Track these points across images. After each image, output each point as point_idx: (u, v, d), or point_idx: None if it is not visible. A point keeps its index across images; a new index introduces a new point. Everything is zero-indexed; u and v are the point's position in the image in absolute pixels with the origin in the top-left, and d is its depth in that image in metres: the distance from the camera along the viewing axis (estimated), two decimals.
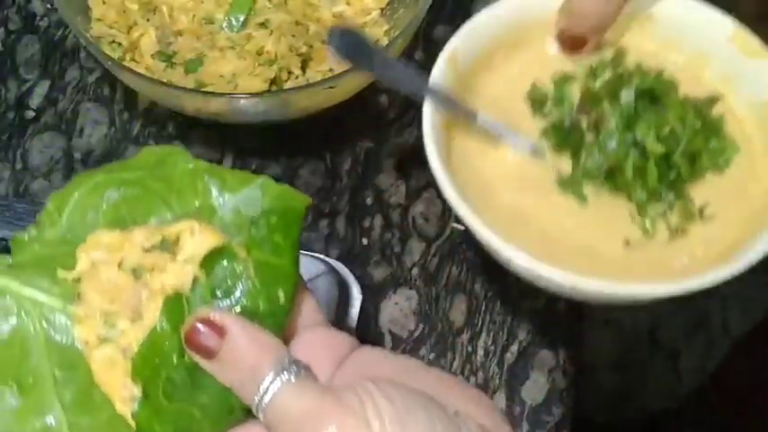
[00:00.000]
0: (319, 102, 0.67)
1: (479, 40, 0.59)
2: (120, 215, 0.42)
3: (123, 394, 0.39)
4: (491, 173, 0.56)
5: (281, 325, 0.40)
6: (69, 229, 0.42)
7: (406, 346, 0.66)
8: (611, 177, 0.55)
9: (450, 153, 0.56)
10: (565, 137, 0.57)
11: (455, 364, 0.65)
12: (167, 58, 0.71)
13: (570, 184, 0.56)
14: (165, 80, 0.68)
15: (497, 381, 0.65)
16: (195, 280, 0.39)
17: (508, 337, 0.67)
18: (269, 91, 0.68)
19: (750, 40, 0.59)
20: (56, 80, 0.77)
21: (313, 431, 0.34)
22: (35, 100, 0.76)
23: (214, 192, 0.41)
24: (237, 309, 0.39)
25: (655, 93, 0.57)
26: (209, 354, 0.37)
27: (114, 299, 0.40)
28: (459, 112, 0.56)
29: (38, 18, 0.80)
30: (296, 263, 0.41)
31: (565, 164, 0.56)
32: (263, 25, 0.73)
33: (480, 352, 0.66)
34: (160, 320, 0.39)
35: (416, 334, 0.66)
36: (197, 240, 0.40)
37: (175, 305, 0.39)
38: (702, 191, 0.56)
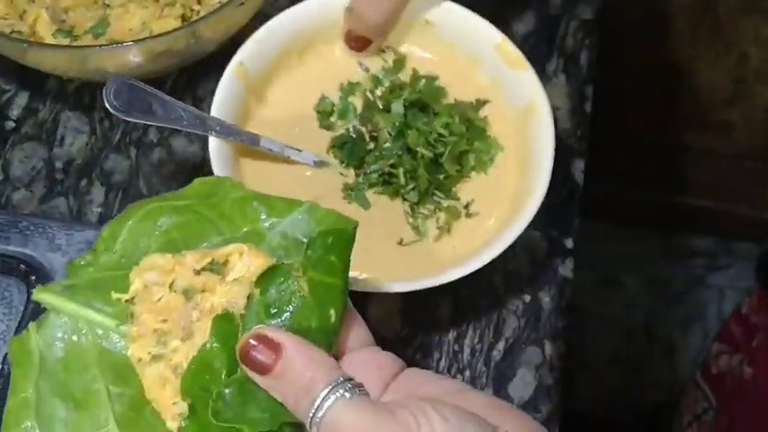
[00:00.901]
0: (233, 23, 0.70)
1: (268, 50, 0.66)
2: (173, 240, 0.43)
3: (173, 411, 0.41)
4: (288, 186, 0.61)
5: (330, 343, 0.41)
6: (123, 255, 0.44)
7: (392, 346, 0.66)
8: (389, 183, 0.62)
9: (244, 174, 0.62)
10: (349, 151, 0.63)
11: (442, 363, 0.65)
12: (67, 33, 0.72)
13: (354, 192, 0.62)
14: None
15: (484, 379, 0.64)
16: (250, 298, 0.41)
17: (494, 335, 0.66)
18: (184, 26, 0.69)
19: (512, 51, 0.65)
20: (35, 90, 0.77)
21: None
22: (15, 110, 0.76)
23: (263, 217, 0.43)
24: (290, 326, 0.40)
25: (424, 101, 0.64)
26: (264, 369, 0.38)
27: (166, 319, 0.42)
28: (243, 139, 0.61)
29: None
30: (347, 283, 0.42)
31: (351, 172, 0.63)
32: None
33: (467, 350, 0.66)
34: (210, 339, 0.40)
35: (402, 334, 0.66)
36: (245, 262, 0.41)
37: (225, 324, 0.40)
38: (469, 189, 0.64)
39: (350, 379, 0.38)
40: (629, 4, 1.19)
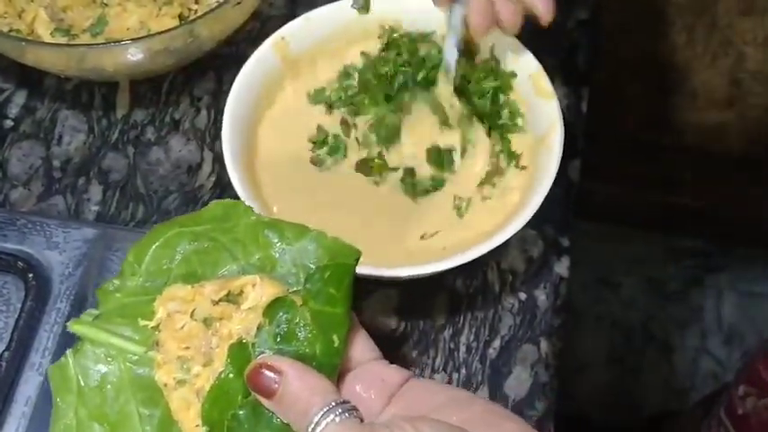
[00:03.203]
0: (231, 22, 0.71)
1: (316, 31, 0.68)
2: (192, 267, 0.47)
3: None
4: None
5: (335, 365, 0.44)
6: (148, 278, 0.47)
7: (388, 344, 0.66)
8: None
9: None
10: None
11: (437, 361, 0.65)
12: (66, 32, 0.72)
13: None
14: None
15: (480, 377, 0.65)
16: (260, 327, 0.44)
17: (490, 333, 0.67)
18: (182, 24, 0.70)
19: (545, 82, 0.66)
20: (33, 88, 0.77)
21: None
22: (13, 109, 0.76)
23: (274, 244, 0.46)
24: (296, 352, 0.44)
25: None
26: (268, 394, 0.42)
27: (188, 346, 0.45)
28: None
29: None
30: (349, 309, 0.45)
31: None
32: None
33: (462, 348, 0.66)
34: (226, 367, 0.43)
35: (398, 332, 0.66)
36: (258, 292, 0.44)
37: (239, 352, 0.44)
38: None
39: (343, 402, 0.41)
40: (626, 4, 1.20)
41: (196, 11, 0.74)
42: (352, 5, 0.69)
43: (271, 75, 0.68)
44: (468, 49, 0.69)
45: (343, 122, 0.68)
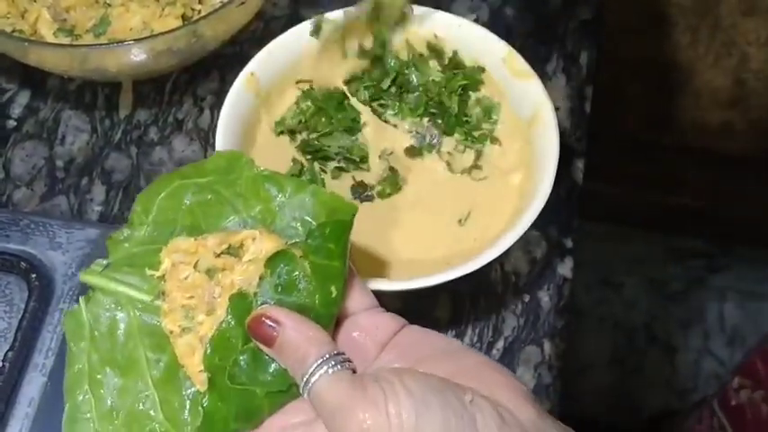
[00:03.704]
0: (234, 22, 0.70)
1: (279, 60, 0.67)
2: (196, 218, 0.49)
3: (201, 377, 0.46)
4: None
5: (332, 315, 0.46)
6: (155, 229, 0.49)
7: None
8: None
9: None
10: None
11: None
12: (69, 32, 0.72)
13: None
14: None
15: None
16: (262, 278, 0.46)
17: (493, 334, 0.67)
18: (185, 25, 0.69)
19: (519, 62, 0.66)
20: (36, 89, 0.77)
21: (342, 420, 0.40)
22: (16, 109, 0.76)
23: (274, 198, 0.48)
24: (296, 302, 0.45)
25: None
26: (268, 342, 0.44)
27: (192, 295, 0.47)
28: None
29: None
30: (346, 263, 0.47)
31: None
32: None
33: None
34: (227, 315, 0.45)
35: None
36: (258, 245, 0.46)
37: (240, 302, 0.45)
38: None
39: (337, 354, 0.43)
40: (628, 4, 1.20)
41: (199, 11, 0.74)
42: (310, 33, 0.68)
43: (248, 113, 0.66)
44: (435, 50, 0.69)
45: (302, 151, 0.68)
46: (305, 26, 0.68)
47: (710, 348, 1.55)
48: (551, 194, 0.72)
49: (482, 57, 0.68)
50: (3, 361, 0.58)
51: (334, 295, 0.46)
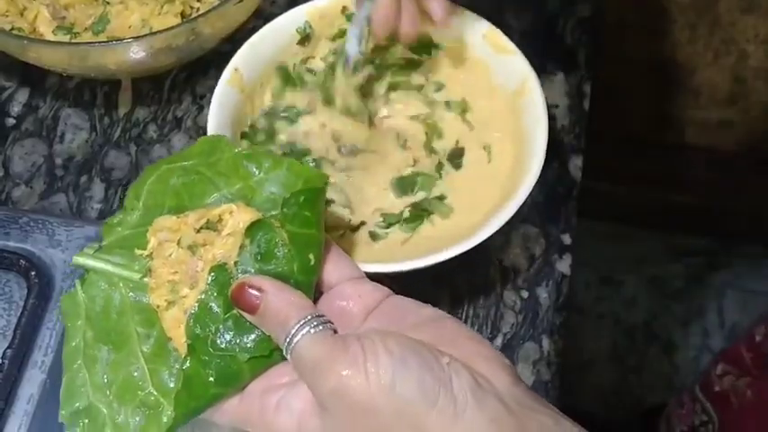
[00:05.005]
0: (233, 20, 0.71)
1: (261, 55, 0.67)
2: (181, 198, 0.51)
3: (187, 348, 0.47)
4: None
5: (311, 283, 0.48)
6: (145, 213, 0.51)
7: None
8: None
9: None
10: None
11: None
12: (68, 30, 0.72)
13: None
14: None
15: None
16: (242, 248, 0.47)
17: (492, 330, 0.67)
18: (184, 22, 0.69)
19: (500, 38, 0.67)
20: (36, 87, 0.77)
21: (322, 375, 0.41)
22: (15, 107, 0.76)
23: (253, 174, 0.50)
24: (275, 270, 0.47)
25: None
26: (251, 309, 0.45)
27: (177, 270, 0.48)
28: None
29: None
30: (322, 230, 0.49)
31: None
32: None
33: None
34: (208, 286, 0.47)
35: None
36: (236, 218, 0.48)
37: (220, 273, 0.47)
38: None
39: (319, 316, 0.44)
40: (628, 1, 1.20)
41: (198, 9, 0.74)
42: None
43: (236, 110, 0.66)
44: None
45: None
46: (283, 19, 0.68)
47: (710, 346, 1.55)
48: (549, 192, 0.72)
49: (463, 35, 0.68)
50: (2, 358, 0.58)
51: (312, 263, 0.47)
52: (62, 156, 0.74)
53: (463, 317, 0.67)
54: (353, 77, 0.66)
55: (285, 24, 0.68)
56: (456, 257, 0.69)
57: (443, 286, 0.68)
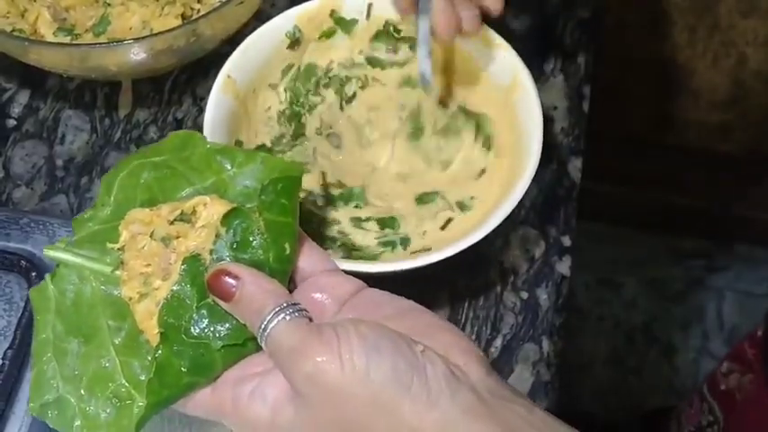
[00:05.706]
0: (233, 21, 0.71)
1: (254, 61, 0.67)
2: (153, 193, 0.51)
3: (159, 339, 0.47)
4: None
5: (286, 272, 0.48)
6: (117, 207, 0.51)
7: None
8: None
9: None
10: None
11: None
12: (69, 32, 0.72)
13: None
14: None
15: None
16: (218, 236, 0.47)
17: (492, 331, 0.67)
18: (184, 24, 0.69)
19: (490, 33, 0.67)
20: (36, 88, 0.78)
21: (297, 361, 0.42)
22: (16, 108, 0.77)
23: (226, 169, 0.50)
24: (251, 258, 0.47)
25: None
26: (227, 296, 0.45)
27: (149, 263, 0.48)
28: None
29: None
30: (297, 220, 0.49)
31: None
32: None
33: None
34: (180, 276, 0.47)
35: None
36: (209, 210, 0.48)
37: (193, 264, 0.47)
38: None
39: (294, 304, 0.45)
40: (627, 3, 1.20)
41: (198, 10, 0.74)
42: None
43: (231, 117, 0.66)
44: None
45: None
46: (274, 23, 0.68)
47: (709, 348, 1.55)
48: (549, 193, 0.73)
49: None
50: (2, 359, 0.59)
51: (287, 252, 0.48)
52: (63, 157, 0.74)
53: (463, 318, 0.67)
54: (432, 92, 0.67)
55: (275, 29, 0.68)
56: (456, 258, 0.69)
57: (443, 287, 0.68)
